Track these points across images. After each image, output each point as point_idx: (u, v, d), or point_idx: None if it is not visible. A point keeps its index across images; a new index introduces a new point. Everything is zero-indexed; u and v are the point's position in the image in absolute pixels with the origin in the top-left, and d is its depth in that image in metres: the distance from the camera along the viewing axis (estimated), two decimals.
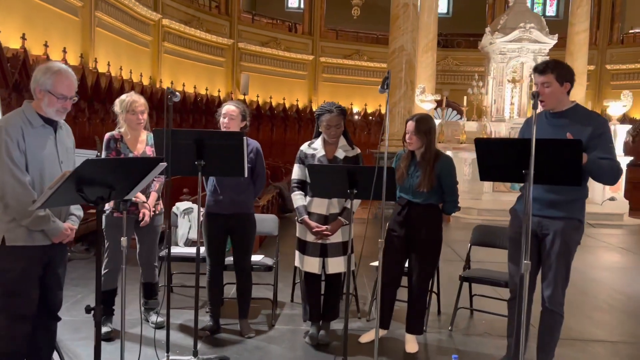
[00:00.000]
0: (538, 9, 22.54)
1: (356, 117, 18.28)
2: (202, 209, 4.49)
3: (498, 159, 2.81)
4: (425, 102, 11.66)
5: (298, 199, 3.75)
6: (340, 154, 3.72)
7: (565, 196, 3.06)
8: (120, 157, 3.66)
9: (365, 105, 18.30)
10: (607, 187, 11.73)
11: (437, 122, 12.34)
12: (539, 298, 3.20)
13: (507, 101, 12.22)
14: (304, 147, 3.82)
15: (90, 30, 10.78)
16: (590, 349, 3.91)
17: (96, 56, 10.84)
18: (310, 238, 3.71)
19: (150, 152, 3.86)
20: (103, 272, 3.74)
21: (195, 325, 3.33)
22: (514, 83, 12.24)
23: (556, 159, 2.64)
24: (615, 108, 11.82)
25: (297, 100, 17.83)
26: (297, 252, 3.85)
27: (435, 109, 12.76)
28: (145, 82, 12.95)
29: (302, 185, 3.78)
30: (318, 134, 3.82)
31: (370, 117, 18.34)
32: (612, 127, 11.71)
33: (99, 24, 11.16)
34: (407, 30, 9.83)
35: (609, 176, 2.98)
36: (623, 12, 18.36)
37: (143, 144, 3.86)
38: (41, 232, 2.70)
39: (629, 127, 12.42)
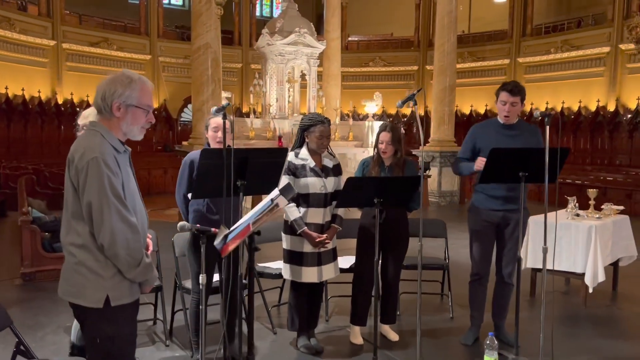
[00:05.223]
0: (267, 10, 24.43)
1: None
2: None
3: (506, 164, 3.45)
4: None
5: (293, 210, 3.69)
6: (327, 162, 3.81)
7: (518, 192, 3.87)
8: None
9: None
10: None
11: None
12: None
13: (287, 100, 13.16)
14: (292, 158, 3.74)
15: None
16: None
17: None
18: (307, 249, 3.71)
19: None
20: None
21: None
22: (289, 83, 13.26)
23: (549, 162, 3.36)
24: (370, 107, 13.93)
25: (39, 92, 15.46)
26: (288, 266, 3.79)
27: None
28: None
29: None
30: (301, 144, 3.81)
31: None
32: (368, 124, 13.86)
33: None
34: (212, 28, 9.71)
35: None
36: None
37: None
38: (137, 284, 2.19)
39: (380, 122, 14.72)
